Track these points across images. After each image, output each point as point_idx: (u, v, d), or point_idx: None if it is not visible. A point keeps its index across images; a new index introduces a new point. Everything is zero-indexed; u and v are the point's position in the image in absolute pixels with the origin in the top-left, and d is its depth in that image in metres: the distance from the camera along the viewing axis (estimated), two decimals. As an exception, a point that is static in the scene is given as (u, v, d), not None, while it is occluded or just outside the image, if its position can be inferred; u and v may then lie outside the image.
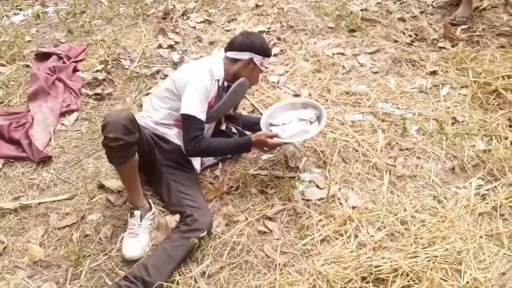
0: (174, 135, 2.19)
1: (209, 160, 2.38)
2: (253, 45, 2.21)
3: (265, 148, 2.22)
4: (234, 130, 2.48)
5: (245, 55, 2.20)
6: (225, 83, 2.21)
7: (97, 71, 3.16)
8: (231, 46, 2.24)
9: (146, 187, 2.23)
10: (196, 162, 2.28)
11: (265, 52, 2.24)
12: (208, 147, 2.08)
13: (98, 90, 2.97)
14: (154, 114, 2.20)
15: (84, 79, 3.08)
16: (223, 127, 2.45)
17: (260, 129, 2.32)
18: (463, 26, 3.40)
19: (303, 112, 2.41)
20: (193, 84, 2.08)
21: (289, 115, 2.39)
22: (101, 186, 2.25)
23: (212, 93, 2.14)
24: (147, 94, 2.93)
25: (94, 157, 2.48)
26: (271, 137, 2.15)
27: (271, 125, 2.34)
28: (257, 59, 2.21)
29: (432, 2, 3.77)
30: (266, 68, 2.27)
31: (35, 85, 2.97)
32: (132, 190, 2.03)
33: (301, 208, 2.09)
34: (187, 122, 2.06)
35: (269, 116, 2.37)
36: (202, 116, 2.07)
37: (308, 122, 2.33)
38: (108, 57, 3.28)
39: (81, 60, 3.34)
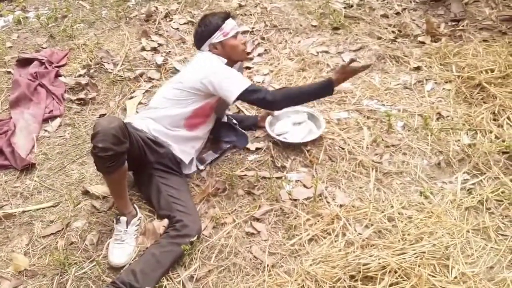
0: (174, 139, 2.18)
1: (211, 156, 2.39)
2: (202, 33, 2.25)
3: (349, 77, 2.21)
4: (234, 121, 2.54)
5: (206, 46, 2.25)
6: None
7: (80, 75, 3.12)
8: (197, 47, 2.31)
9: (132, 191, 2.21)
10: (190, 165, 2.28)
11: (215, 24, 2.22)
12: (286, 91, 2.21)
13: (81, 95, 2.94)
14: (159, 116, 2.17)
15: (66, 84, 3.05)
16: (225, 119, 2.49)
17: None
18: (445, 23, 3.42)
19: (294, 117, 2.58)
20: (219, 71, 2.12)
21: (284, 123, 2.57)
22: (86, 192, 2.22)
23: None
24: (131, 98, 2.91)
25: (78, 163, 2.44)
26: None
27: (277, 135, 2.48)
28: (215, 38, 2.21)
29: None
30: (233, 30, 2.23)
31: (17, 91, 2.93)
32: (119, 197, 2.00)
33: (289, 208, 2.08)
34: (247, 96, 2.09)
35: (268, 128, 2.50)
36: (248, 81, 2.11)
37: (305, 122, 2.54)
38: (90, 61, 3.25)
39: (63, 65, 3.30)
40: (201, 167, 2.34)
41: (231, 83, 2.09)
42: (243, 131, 2.50)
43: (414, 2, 3.74)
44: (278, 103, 2.12)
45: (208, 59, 2.20)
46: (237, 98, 2.08)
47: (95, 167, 1.90)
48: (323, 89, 2.17)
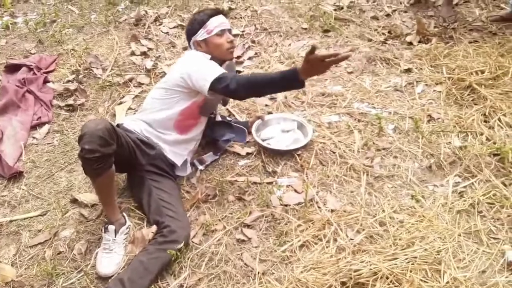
0: (166, 142, 2.16)
1: (211, 157, 2.38)
2: (188, 32, 2.25)
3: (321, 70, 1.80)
4: (229, 118, 2.54)
5: (192, 44, 2.24)
6: None
7: (69, 81, 3.09)
8: (188, 45, 2.31)
9: (120, 199, 2.18)
10: (185, 167, 2.26)
11: (199, 21, 2.20)
12: (250, 80, 1.91)
13: (70, 101, 2.91)
14: (149, 119, 2.17)
15: (55, 90, 3.01)
16: (218, 118, 2.49)
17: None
18: (436, 24, 3.42)
19: (283, 124, 2.56)
20: (195, 64, 2.08)
21: (272, 129, 2.54)
22: (74, 201, 2.19)
23: None
24: (120, 103, 2.88)
25: (66, 170, 2.41)
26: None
27: (262, 140, 2.44)
28: (199, 35, 2.19)
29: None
30: (217, 28, 2.17)
31: (5, 98, 2.89)
32: (107, 203, 1.98)
33: (280, 214, 2.05)
34: (216, 85, 1.96)
35: (255, 133, 2.47)
36: (220, 71, 1.99)
37: (293, 131, 2.51)
38: (79, 66, 3.21)
39: (52, 71, 3.27)
40: (201, 167, 2.34)
41: (204, 73, 2.01)
42: (241, 126, 2.49)
43: (404, 5, 3.71)
44: (241, 92, 1.93)
45: (191, 55, 2.19)
46: (210, 89, 1.99)
47: (83, 171, 1.88)
48: (288, 80, 1.83)
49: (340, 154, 2.36)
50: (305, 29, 3.51)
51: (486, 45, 3.10)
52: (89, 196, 2.18)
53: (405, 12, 3.65)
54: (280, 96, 2.83)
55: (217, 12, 2.24)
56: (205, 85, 1.98)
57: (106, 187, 1.93)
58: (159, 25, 3.73)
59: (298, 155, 2.36)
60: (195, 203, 2.14)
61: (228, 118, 2.57)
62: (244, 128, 2.50)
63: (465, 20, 3.45)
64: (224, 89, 1.94)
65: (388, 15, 3.60)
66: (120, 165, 2.02)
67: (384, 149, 2.38)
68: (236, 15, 3.79)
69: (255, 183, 2.23)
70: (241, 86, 1.90)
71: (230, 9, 3.83)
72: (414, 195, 2.09)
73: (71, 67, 3.25)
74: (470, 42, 3.15)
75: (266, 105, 2.79)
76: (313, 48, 1.70)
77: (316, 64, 1.73)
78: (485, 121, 2.48)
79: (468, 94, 2.67)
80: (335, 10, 3.67)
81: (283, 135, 2.49)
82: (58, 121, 2.78)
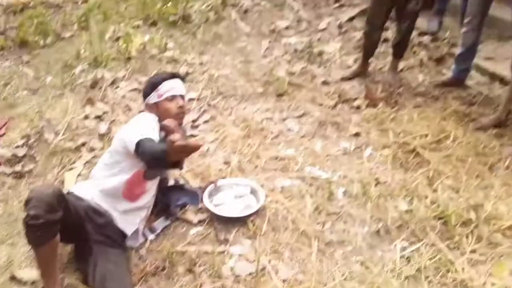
0: (116, 210, 2.11)
1: (162, 223, 2.33)
2: (143, 94, 2.29)
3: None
4: (181, 181, 2.52)
5: (145, 106, 2.28)
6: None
7: (18, 146, 3.01)
8: None
9: (66, 271, 2.09)
10: (136, 236, 2.21)
11: (152, 85, 2.23)
12: (148, 149, 1.86)
13: (18, 168, 2.83)
14: (98, 187, 2.12)
15: (2, 156, 2.92)
16: (171, 182, 2.47)
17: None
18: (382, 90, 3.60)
19: (236, 189, 2.56)
20: (132, 125, 2.08)
21: (225, 194, 2.53)
22: (13, 278, 2.07)
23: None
24: (70, 169, 2.82)
25: (8, 244, 2.30)
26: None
27: (215, 206, 2.43)
28: (151, 98, 2.23)
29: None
30: (168, 93, 2.20)
31: None
32: (49, 275, 1.89)
33: (231, 286, 2.01)
34: (138, 150, 1.90)
35: (207, 198, 2.45)
36: (143, 135, 1.91)
37: (246, 196, 2.51)
38: (31, 130, 3.16)
39: (1, 136, 3.19)
40: (151, 237, 2.28)
41: (134, 136, 1.94)
42: (194, 189, 2.48)
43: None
44: (144, 161, 1.94)
45: (138, 117, 2.20)
46: (135, 152, 1.93)
47: (26, 239, 1.80)
48: (161, 160, 1.76)
49: (292, 219, 2.37)
50: (260, 93, 3.62)
51: (429, 109, 3.28)
52: (29, 272, 2.07)
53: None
54: (234, 159, 2.86)
55: (172, 76, 2.28)
56: (132, 147, 1.94)
57: (49, 257, 1.86)
58: (116, 88, 3.75)
59: (251, 221, 2.36)
60: (143, 276, 2.07)
61: (181, 182, 2.57)
62: (197, 192, 2.50)
63: (409, 86, 3.65)
64: (139, 155, 1.91)
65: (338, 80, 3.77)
66: (67, 234, 1.95)
67: (334, 213, 2.41)
68: (193, 78, 3.87)
69: (206, 252, 2.20)
70: (144, 155, 1.87)
71: (187, 73, 3.91)
72: (364, 261, 2.11)
73: (22, 132, 3.18)
74: (414, 107, 3.32)
75: (220, 170, 2.80)
76: (167, 131, 1.68)
77: (169, 145, 1.68)
78: (429, 184, 2.57)
79: (413, 158, 2.78)
80: (288, 75, 3.81)
81: (235, 200, 2.50)
82: (3, 189, 2.68)
